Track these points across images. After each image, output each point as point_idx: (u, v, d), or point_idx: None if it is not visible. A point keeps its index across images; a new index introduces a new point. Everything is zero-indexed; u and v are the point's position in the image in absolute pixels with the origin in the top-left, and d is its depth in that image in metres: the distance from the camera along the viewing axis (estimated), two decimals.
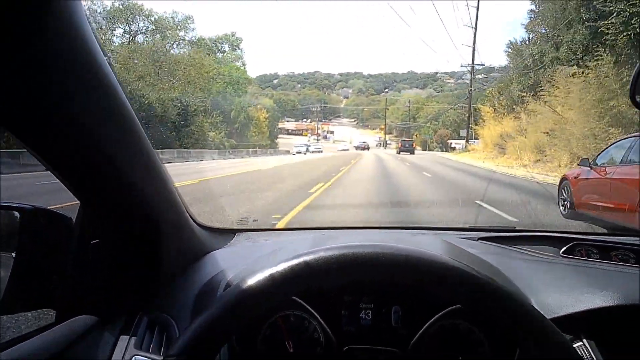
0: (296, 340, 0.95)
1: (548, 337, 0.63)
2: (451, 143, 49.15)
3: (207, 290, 1.00)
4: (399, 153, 42.39)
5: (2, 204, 0.80)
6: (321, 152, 43.88)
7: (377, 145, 65.78)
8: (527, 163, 17.66)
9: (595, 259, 1.35)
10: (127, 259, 0.89)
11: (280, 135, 79.52)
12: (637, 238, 1.43)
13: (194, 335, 0.62)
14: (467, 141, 36.53)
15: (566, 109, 16.65)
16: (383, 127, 69.12)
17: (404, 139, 56.34)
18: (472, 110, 37.00)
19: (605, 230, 4.64)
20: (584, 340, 0.87)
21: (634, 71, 1.43)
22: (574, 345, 0.85)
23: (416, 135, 61.71)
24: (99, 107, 0.67)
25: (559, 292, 0.98)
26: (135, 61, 30.11)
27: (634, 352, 0.87)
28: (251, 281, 0.65)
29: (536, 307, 0.68)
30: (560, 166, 14.66)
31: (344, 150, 56.96)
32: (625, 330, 0.90)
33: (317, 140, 75.33)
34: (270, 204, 7.57)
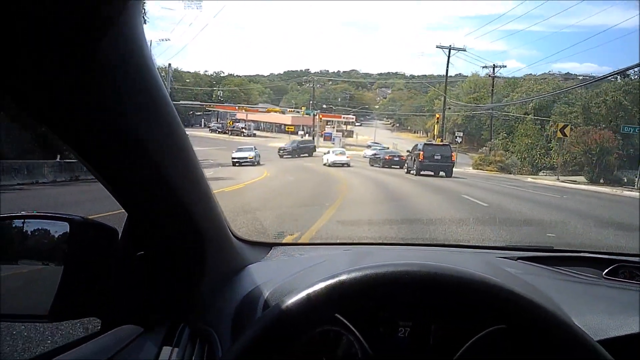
0: (333, 356, 0.90)
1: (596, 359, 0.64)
2: None
3: (246, 304, 0.99)
4: (417, 174, 20.22)
5: (52, 214, 0.83)
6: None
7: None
8: None
9: None
10: (170, 270, 0.91)
11: (264, 134, 52.76)
12: None
13: (235, 356, 0.65)
14: None
15: None
16: (438, 116, 33.76)
17: (428, 141, 27.03)
18: None
19: None
20: None
21: None
22: None
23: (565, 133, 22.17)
24: (151, 120, 0.68)
25: (603, 314, 0.94)
26: None
27: None
28: (292, 301, 0.66)
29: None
30: None
31: (340, 163, 25.40)
32: None
33: (312, 136, 43.15)
34: None
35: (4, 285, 0.81)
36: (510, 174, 26.19)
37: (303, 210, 8.49)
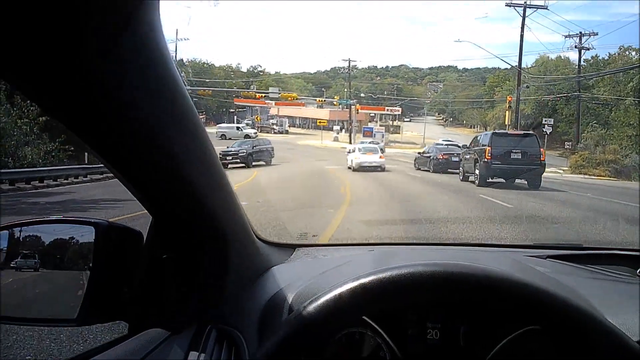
0: (361, 359, 0.92)
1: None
2: None
3: (271, 306, 1.00)
4: (480, 184, 13.27)
5: (79, 219, 0.86)
6: None
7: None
8: None
9: None
10: (195, 273, 0.91)
11: (298, 131, 46.72)
12: None
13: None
14: None
15: None
16: (510, 99, 25.07)
17: (499, 131, 18.14)
18: None
19: None
20: None
21: None
22: None
23: None
24: (174, 121, 0.68)
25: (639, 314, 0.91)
26: None
27: None
28: (317, 304, 0.66)
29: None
30: None
31: (370, 165, 18.10)
32: None
33: (349, 132, 33.19)
34: None
35: (32, 289, 0.83)
36: (629, 180, 18.18)
37: None
